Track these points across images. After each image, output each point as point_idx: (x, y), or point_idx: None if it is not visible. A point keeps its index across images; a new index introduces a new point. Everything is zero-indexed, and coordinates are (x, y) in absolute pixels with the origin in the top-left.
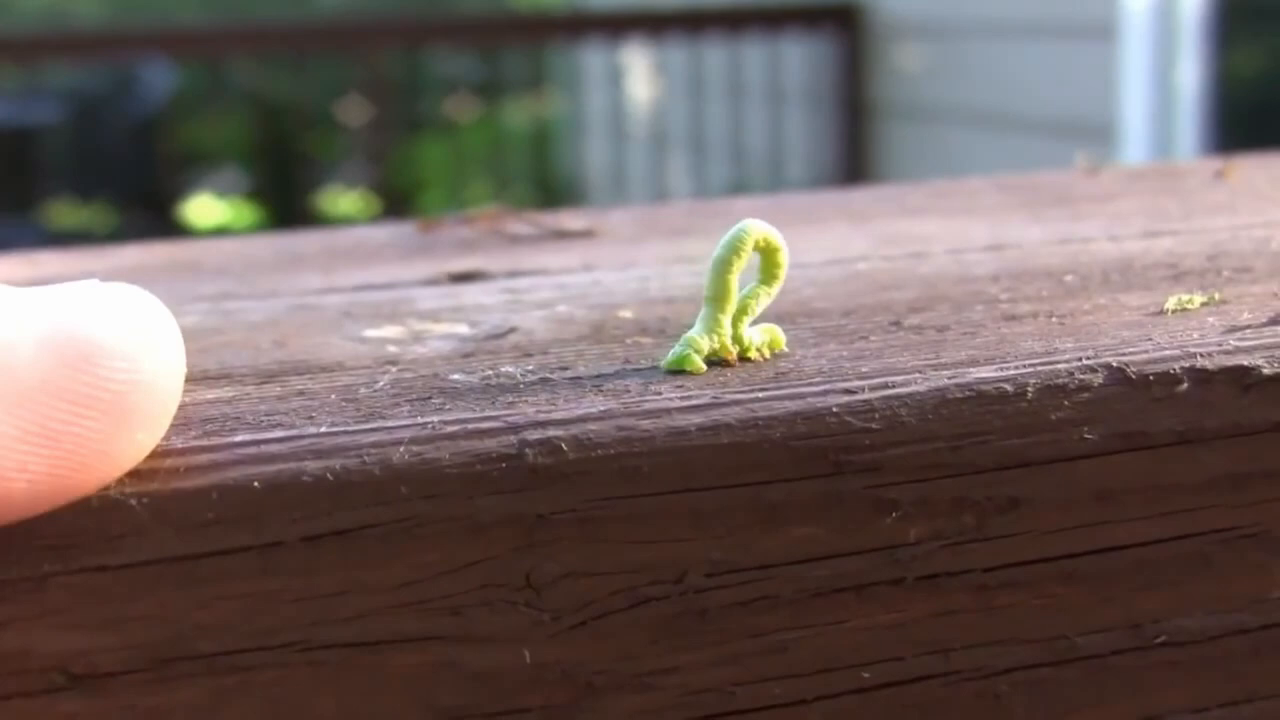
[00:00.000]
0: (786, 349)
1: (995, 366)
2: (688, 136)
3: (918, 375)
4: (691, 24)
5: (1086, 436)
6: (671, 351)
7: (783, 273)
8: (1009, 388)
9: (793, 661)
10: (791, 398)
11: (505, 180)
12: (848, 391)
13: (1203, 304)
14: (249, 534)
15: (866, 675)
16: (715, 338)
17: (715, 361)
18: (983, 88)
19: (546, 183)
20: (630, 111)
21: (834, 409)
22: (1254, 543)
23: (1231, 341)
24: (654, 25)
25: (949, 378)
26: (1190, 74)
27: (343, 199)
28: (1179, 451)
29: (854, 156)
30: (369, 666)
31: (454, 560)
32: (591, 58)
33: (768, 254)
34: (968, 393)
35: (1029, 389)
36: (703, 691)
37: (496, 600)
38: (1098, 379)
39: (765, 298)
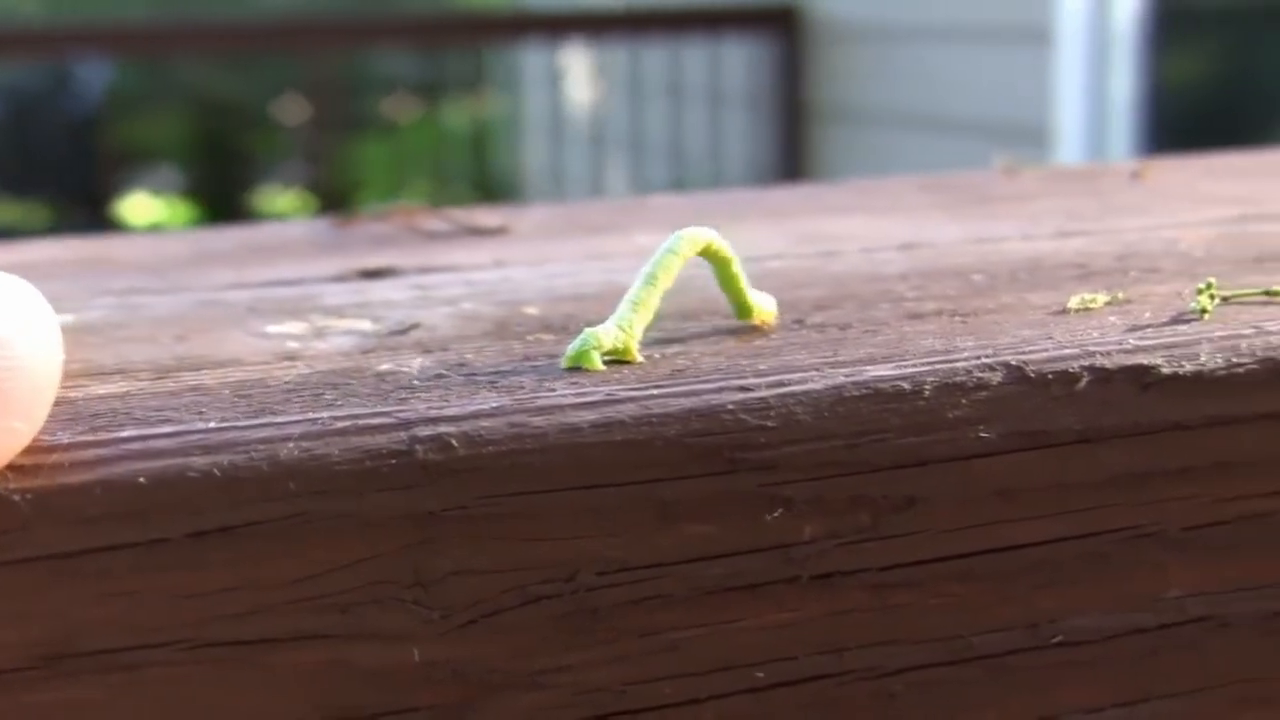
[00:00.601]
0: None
1: (893, 365)
2: (627, 138)
3: (814, 373)
4: (632, 25)
5: (984, 435)
6: (570, 346)
7: (729, 252)
8: (906, 386)
9: (685, 660)
10: (686, 395)
11: (444, 180)
12: (743, 389)
13: (1106, 303)
14: (135, 530)
15: (760, 675)
16: (620, 336)
17: (617, 361)
18: (921, 91)
19: (486, 183)
20: (570, 112)
21: (729, 406)
22: (1152, 542)
23: (1131, 340)
24: (594, 26)
25: (846, 376)
26: (1124, 79)
27: (280, 198)
28: (1078, 450)
29: (793, 158)
30: (259, 665)
31: (343, 557)
32: (532, 58)
33: (712, 253)
34: (864, 390)
35: (926, 387)
36: (595, 690)
37: (386, 598)
38: (996, 377)
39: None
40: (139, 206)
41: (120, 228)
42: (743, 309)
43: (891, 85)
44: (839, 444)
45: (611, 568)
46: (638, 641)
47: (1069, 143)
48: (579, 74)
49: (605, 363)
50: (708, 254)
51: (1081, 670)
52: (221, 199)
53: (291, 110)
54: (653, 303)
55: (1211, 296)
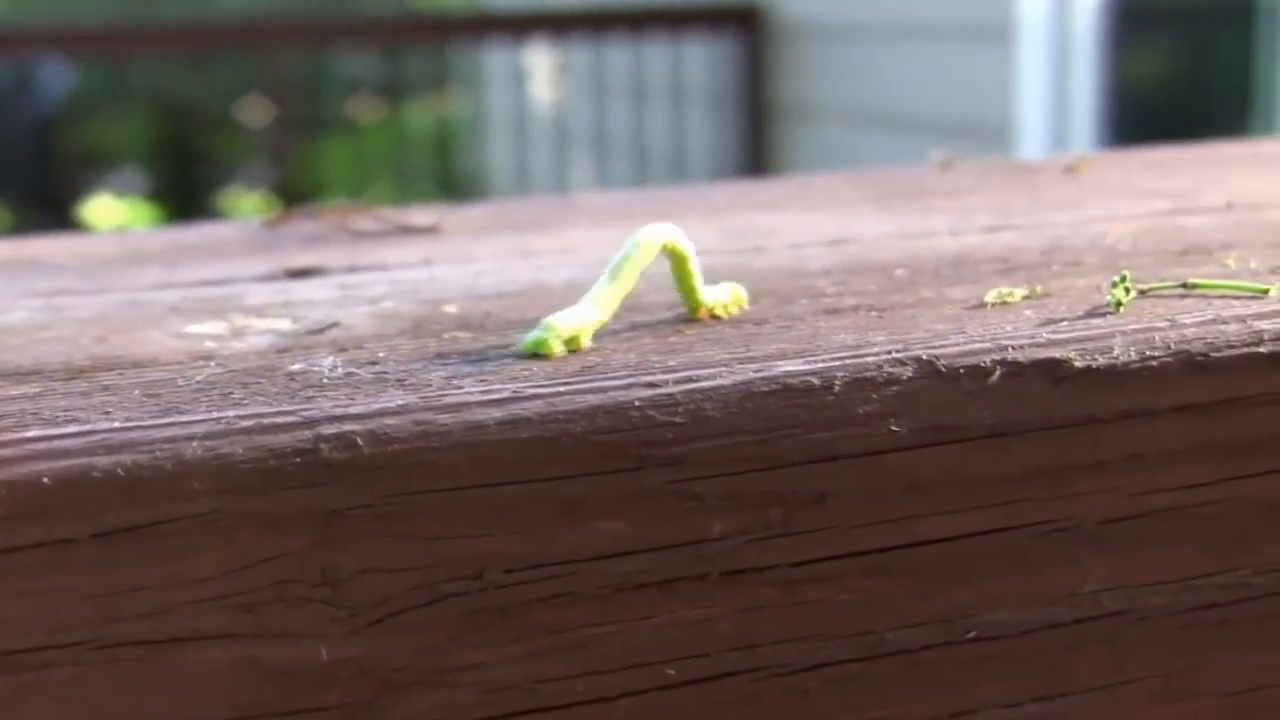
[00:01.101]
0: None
1: (804, 360)
2: (591, 136)
3: (724, 369)
4: (594, 25)
5: (895, 429)
6: (530, 334)
7: (688, 250)
8: (816, 381)
9: (596, 658)
10: (594, 391)
11: (408, 180)
12: (651, 385)
13: (1024, 297)
14: (40, 530)
15: (671, 672)
16: (574, 324)
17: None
18: (883, 89)
19: (449, 183)
20: (534, 111)
21: (636, 403)
22: (1067, 536)
23: (1045, 334)
24: (557, 25)
25: (755, 371)
26: (1085, 77)
27: (243, 199)
28: (990, 444)
29: (755, 157)
30: (165, 664)
31: (249, 556)
32: (495, 58)
33: (673, 250)
34: (774, 386)
35: (837, 382)
36: (504, 688)
37: (293, 597)
38: (907, 372)
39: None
40: (102, 209)
41: (84, 230)
42: (693, 305)
43: (854, 84)
44: (748, 440)
45: (519, 565)
46: (547, 639)
47: (1030, 141)
48: (542, 73)
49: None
50: (668, 250)
51: (998, 665)
52: (185, 201)
53: (255, 111)
54: (613, 298)
55: (1127, 290)
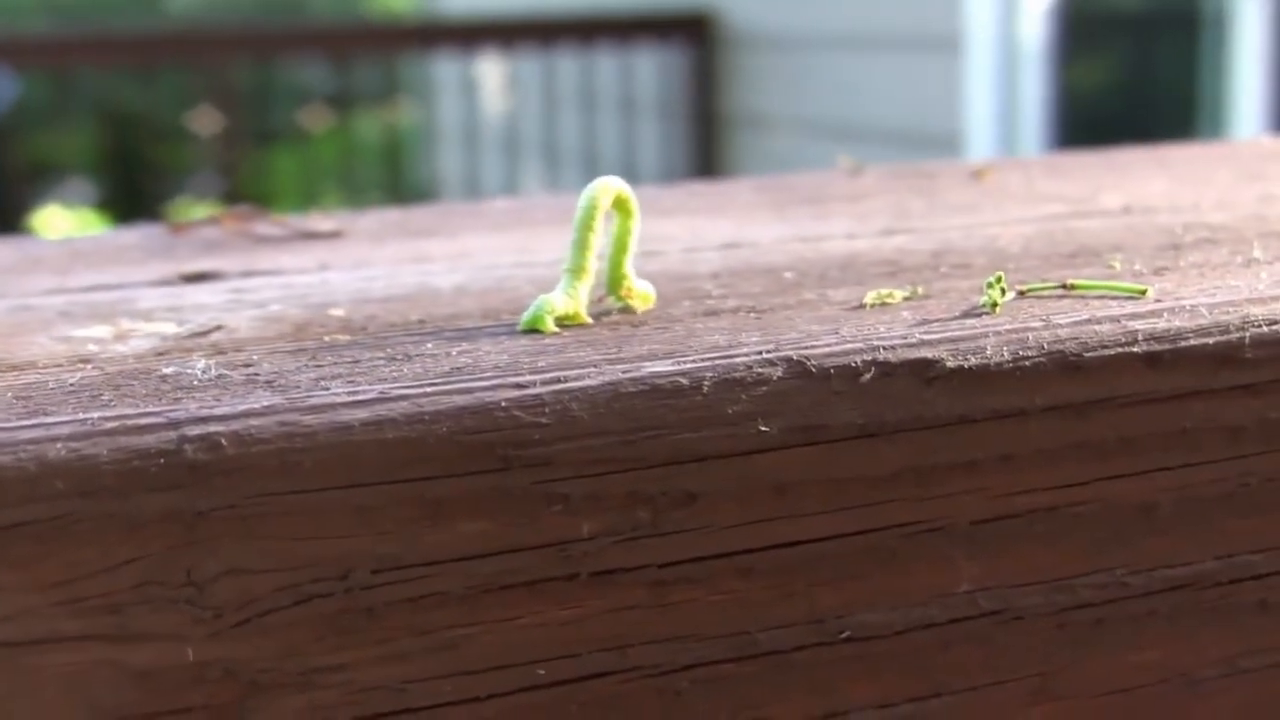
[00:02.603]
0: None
1: (673, 361)
2: (541, 146)
3: (592, 369)
4: (543, 35)
5: (764, 430)
6: (526, 311)
7: (634, 208)
8: (684, 381)
9: (464, 659)
10: (461, 392)
11: (357, 189)
12: (518, 386)
13: (904, 299)
14: None
15: (541, 672)
16: (570, 301)
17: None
18: (833, 99)
19: (399, 192)
20: (484, 121)
21: (503, 403)
22: (938, 536)
23: (918, 334)
24: (506, 36)
25: (623, 372)
26: (1033, 86)
27: (193, 209)
28: (860, 445)
29: (705, 166)
30: (27, 667)
31: (112, 558)
32: (444, 68)
33: (621, 205)
34: (641, 387)
35: (705, 383)
36: (371, 689)
37: (157, 598)
38: (776, 372)
39: (634, 231)
40: (51, 219)
41: None
42: (616, 278)
43: (804, 93)
44: (615, 440)
45: (385, 566)
46: (415, 640)
47: (979, 149)
48: (492, 83)
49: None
50: (618, 204)
51: (870, 665)
52: (134, 211)
53: (203, 121)
54: (587, 263)
55: (1002, 290)
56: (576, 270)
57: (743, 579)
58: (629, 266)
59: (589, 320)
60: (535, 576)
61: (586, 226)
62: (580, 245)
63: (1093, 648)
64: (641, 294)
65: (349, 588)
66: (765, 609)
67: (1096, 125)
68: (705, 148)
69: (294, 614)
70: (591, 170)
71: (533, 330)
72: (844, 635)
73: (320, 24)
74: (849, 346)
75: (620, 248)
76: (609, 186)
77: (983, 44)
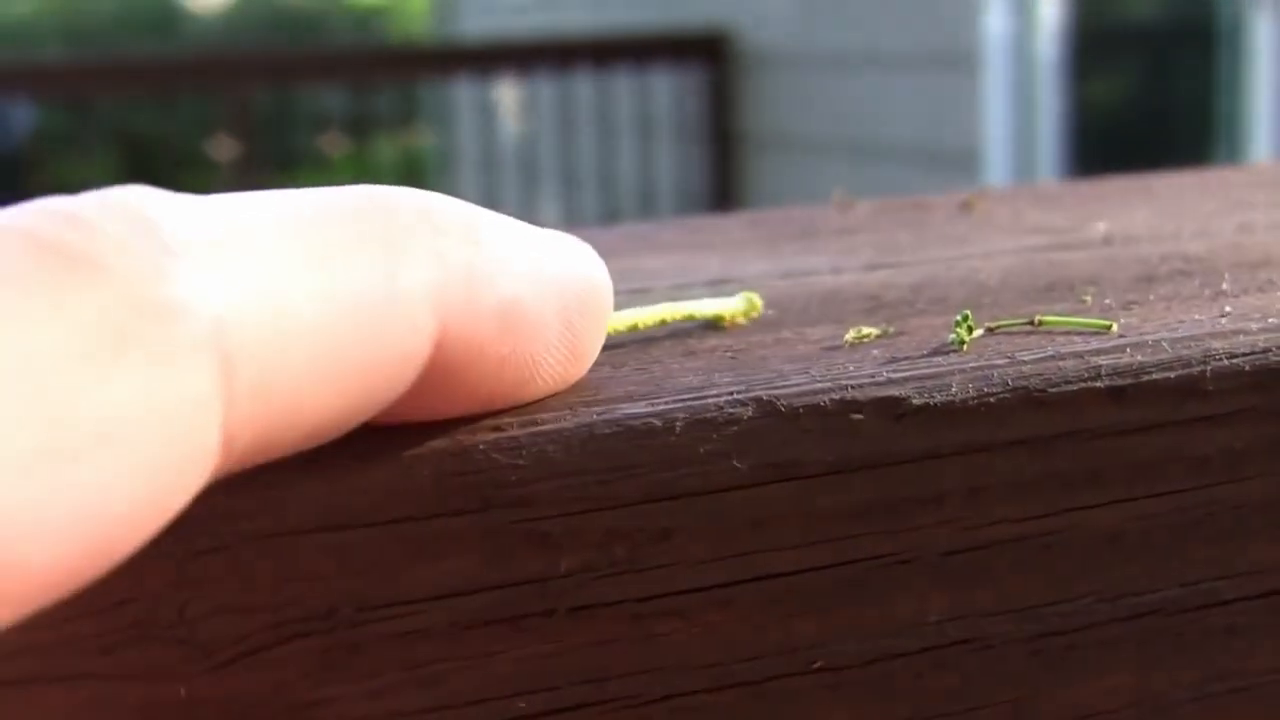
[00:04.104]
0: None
1: (646, 402)
2: (559, 169)
3: (567, 412)
4: (559, 58)
5: (736, 468)
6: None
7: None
8: (657, 422)
9: (447, 692)
10: (440, 435)
11: None
12: (496, 429)
13: (878, 336)
14: None
15: (523, 705)
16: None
17: None
18: (850, 118)
19: None
20: (501, 145)
21: (481, 446)
22: (909, 568)
23: (886, 373)
24: (522, 59)
25: (598, 414)
26: (1049, 102)
27: None
28: (831, 480)
29: (723, 187)
30: (20, 706)
31: (106, 598)
32: (462, 92)
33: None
34: (615, 428)
35: (677, 423)
36: None
37: (150, 637)
38: (747, 412)
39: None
40: None
41: None
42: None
43: (821, 113)
44: (591, 480)
45: (370, 604)
46: (399, 674)
47: (996, 167)
48: (509, 107)
49: None
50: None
51: (844, 694)
52: None
53: (222, 147)
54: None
55: (969, 328)
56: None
57: (718, 612)
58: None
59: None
60: (515, 612)
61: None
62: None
63: (1063, 674)
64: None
65: (335, 625)
66: (740, 641)
67: (1114, 141)
68: (723, 168)
69: (283, 651)
70: (609, 193)
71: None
72: (817, 665)
73: (338, 50)
74: (818, 386)
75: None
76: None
77: (999, 61)
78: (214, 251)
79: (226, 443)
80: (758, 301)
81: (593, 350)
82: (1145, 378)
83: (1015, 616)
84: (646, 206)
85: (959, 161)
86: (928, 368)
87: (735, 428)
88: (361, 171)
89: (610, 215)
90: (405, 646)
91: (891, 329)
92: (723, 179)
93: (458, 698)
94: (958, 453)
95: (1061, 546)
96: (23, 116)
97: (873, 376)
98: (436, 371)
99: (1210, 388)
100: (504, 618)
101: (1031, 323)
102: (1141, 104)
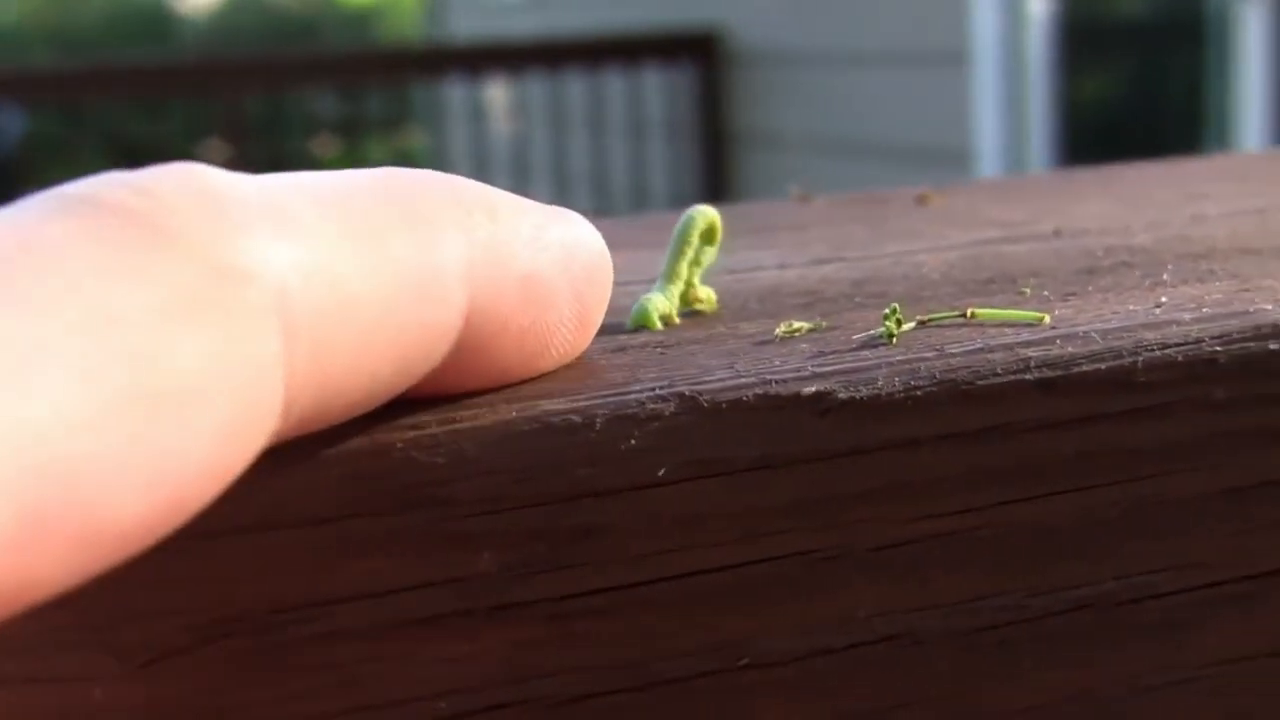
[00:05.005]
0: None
1: (567, 399)
2: (550, 169)
3: (486, 408)
4: (550, 58)
5: (659, 464)
6: (633, 310)
7: (719, 237)
8: (577, 419)
9: (367, 693)
10: (357, 434)
11: None
12: (414, 427)
13: (810, 330)
14: None
15: (443, 705)
16: (667, 303)
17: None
18: (842, 116)
19: None
20: (493, 146)
21: (399, 444)
22: (837, 564)
23: (811, 367)
24: (513, 60)
25: (517, 411)
26: (1040, 97)
27: None
28: (755, 476)
29: (715, 185)
30: None
31: None
32: (453, 93)
33: (710, 232)
34: (534, 425)
35: (598, 420)
36: None
37: (67, 641)
38: (669, 408)
39: (712, 255)
40: None
41: None
42: (685, 291)
43: (812, 111)
44: (510, 478)
45: (287, 606)
46: (317, 676)
47: (988, 162)
48: (501, 107)
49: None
50: (709, 229)
51: (773, 691)
52: None
53: (215, 152)
54: (682, 269)
55: (899, 322)
56: (671, 275)
57: (641, 609)
58: (698, 280)
59: (678, 321)
60: (435, 612)
61: (685, 240)
62: (676, 255)
63: (996, 669)
64: (707, 298)
65: (253, 628)
66: (665, 638)
67: (1105, 136)
68: (715, 167)
69: (201, 655)
70: (602, 193)
71: (640, 327)
72: (744, 662)
73: (330, 52)
74: (742, 381)
75: (698, 265)
76: (707, 212)
77: (989, 58)
78: (272, 224)
79: (287, 405)
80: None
81: (598, 320)
82: (1075, 369)
83: (945, 612)
84: (639, 206)
85: (951, 159)
86: (854, 361)
87: (657, 424)
88: None
89: (602, 215)
90: (325, 648)
91: (825, 323)
92: (715, 178)
93: (379, 699)
94: (885, 447)
95: (992, 541)
96: (13, 122)
97: (798, 371)
98: (464, 344)
99: (1142, 379)
100: (423, 618)
101: (964, 316)
102: (1132, 98)
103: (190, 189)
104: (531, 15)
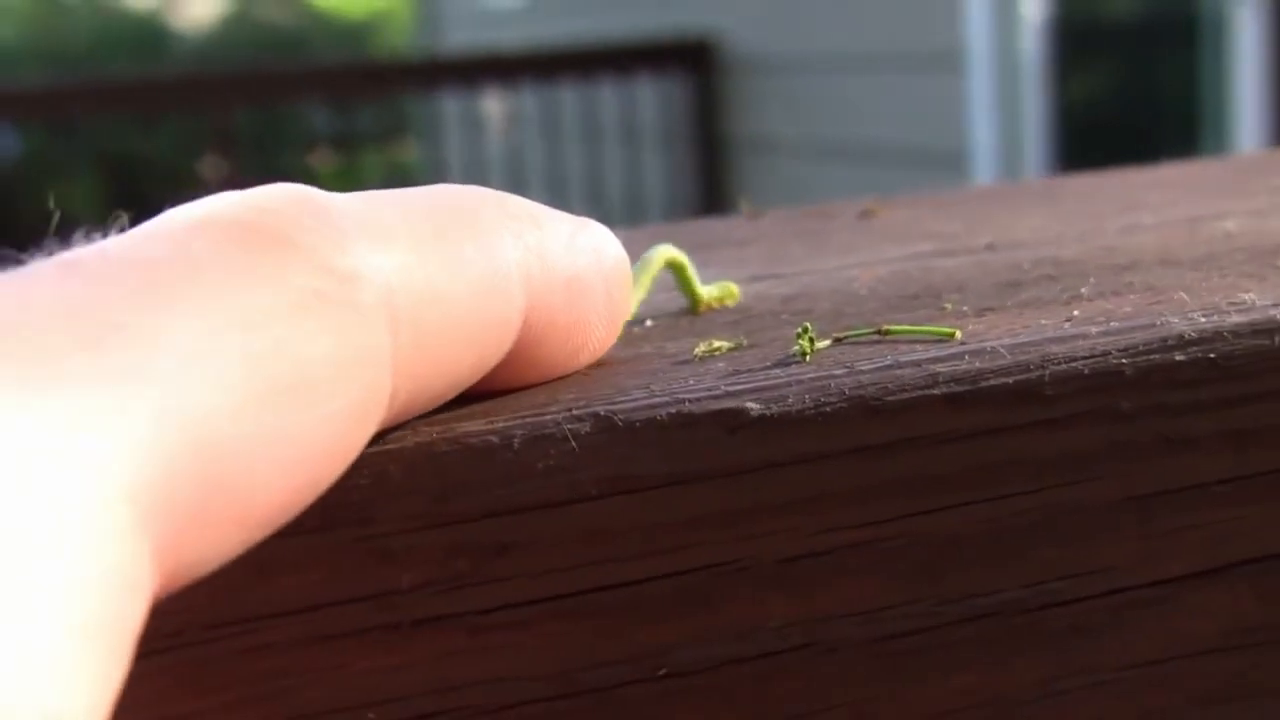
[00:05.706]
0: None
1: (486, 420)
2: (546, 179)
3: (409, 431)
4: (544, 68)
5: (575, 482)
6: None
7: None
8: (495, 439)
9: (297, 705)
10: None
11: None
12: None
13: (730, 349)
14: None
15: (371, 716)
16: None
17: None
18: (837, 120)
19: None
20: (488, 157)
21: None
22: (747, 575)
23: (724, 386)
24: (507, 70)
25: (437, 433)
26: (1034, 99)
27: None
28: (668, 492)
29: (711, 192)
30: None
31: None
32: (447, 104)
33: (678, 269)
34: (454, 446)
35: (515, 440)
36: None
37: None
38: (585, 428)
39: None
40: None
41: None
42: (696, 301)
43: (807, 116)
44: (430, 498)
45: (217, 621)
46: (249, 689)
47: (983, 165)
48: (495, 118)
49: None
50: (671, 264)
51: (690, 699)
52: None
53: (211, 167)
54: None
55: (811, 340)
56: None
57: (561, 621)
58: (699, 285)
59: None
60: (360, 626)
61: (646, 272)
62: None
63: (907, 676)
64: (718, 297)
65: (185, 643)
66: (585, 649)
67: (1100, 138)
68: (710, 174)
69: (134, 669)
70: (597, 201)
71: None
72: (662, 672)
73: (323, 66)
74: (656, 400)
75: (689, 287)
76: (667, 253)
77: (983, 60)
78: (372, 233)
79: (394, 394)
80: (734, 289)
81: (624, 318)
82: (983, 384)
83: (857, 620)
84: (635, 214)
85: (946, 162)
86: (766, 380)
87: (573, 443)
88: (351, 186)
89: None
90: (254, 662)
91: (745, 341)
92: (710, 184)
93: (307, 711)
94: (796, 462)
95: (902, 551)
96: (7, 141)
97: (711, 390)
98: (521, 339)
99: (1049, 392)
100: (349, 632)
101: (879, 332)
102: (1127, 100)
103: (302, 204)
104: (524, 25)
